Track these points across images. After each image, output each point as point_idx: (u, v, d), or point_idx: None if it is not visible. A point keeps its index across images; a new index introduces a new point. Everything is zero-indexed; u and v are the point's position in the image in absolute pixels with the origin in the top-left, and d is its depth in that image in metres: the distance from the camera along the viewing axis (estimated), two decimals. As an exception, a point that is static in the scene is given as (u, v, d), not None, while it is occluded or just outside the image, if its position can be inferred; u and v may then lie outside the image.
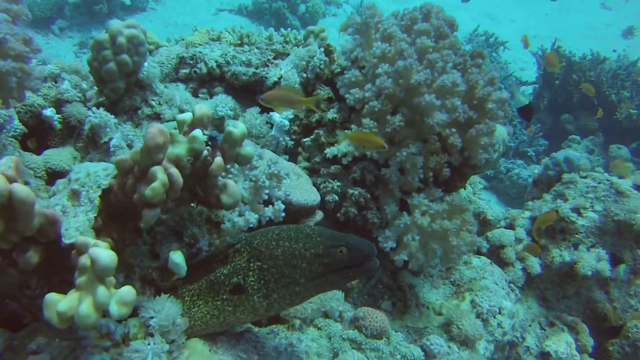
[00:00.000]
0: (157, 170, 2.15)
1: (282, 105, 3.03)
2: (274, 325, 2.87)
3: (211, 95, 3.88)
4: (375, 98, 3.24)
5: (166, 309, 2.43)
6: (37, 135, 3.35)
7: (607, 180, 4.62)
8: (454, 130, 3.33)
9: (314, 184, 3.42)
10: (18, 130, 3.11)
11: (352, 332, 2.82)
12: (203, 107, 2.55)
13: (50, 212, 2.03)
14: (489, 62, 12.13)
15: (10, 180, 1.79)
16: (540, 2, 15.47)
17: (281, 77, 3.75)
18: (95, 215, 2.32)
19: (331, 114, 3.47)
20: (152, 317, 2.41)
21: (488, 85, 3.38)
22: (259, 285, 2.34)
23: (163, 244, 2.64)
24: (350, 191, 3.35)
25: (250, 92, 3.96)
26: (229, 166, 2.97)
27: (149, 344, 2.33)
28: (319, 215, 3.32)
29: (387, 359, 2.76)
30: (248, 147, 2.62)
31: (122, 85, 3.42)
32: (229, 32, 4.27)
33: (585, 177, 4.79)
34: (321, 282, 2.27)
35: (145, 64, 3.51)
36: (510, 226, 4.77)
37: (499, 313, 3.72)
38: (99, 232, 2.37)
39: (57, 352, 2.16)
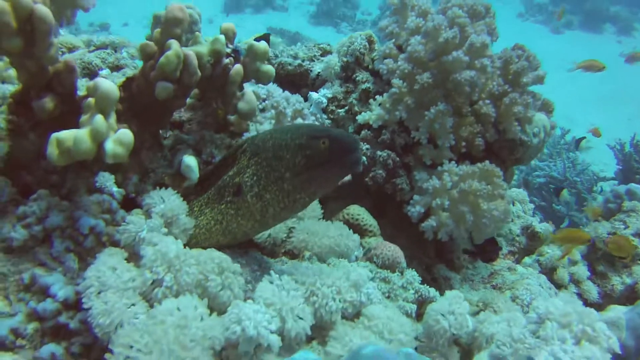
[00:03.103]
0: (172, 43, 2.29)
1: None
2: (284, 257, 2.77)
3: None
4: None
5: (172, 201, 2.45)
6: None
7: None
8: (487, 101, 3.30)
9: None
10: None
11: (363, 264, 2.66)
12: (229, 23, 2.72)
13: (70, 59, 2.19)
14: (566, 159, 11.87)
15: (35, 1, 1.97)
16: (622, 107, 15.24)
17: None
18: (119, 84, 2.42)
19: (365, 85, 3.55)
20: (155, 205, 2.42)
21: (524, 61, 3.36)
22: (251, 182, 2.31)
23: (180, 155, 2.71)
24: (379, 153, 3.32)
25: (295, 85, 4.12)
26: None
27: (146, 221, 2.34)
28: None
29: (397, 291, 2.56)
30: (269, 66, 2.73)
31: (174, 59, 3.69)
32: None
33: (649, 207, 4.45)
34: (307, 177, 2.21)
35: (198, 44, 3.80)
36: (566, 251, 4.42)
37: (542, 309, 3.35)
38: (118, 117, 2.47)
39: (54, 202, 2.20)
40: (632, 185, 4.84)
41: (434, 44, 3.21)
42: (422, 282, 3.65)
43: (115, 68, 3.71)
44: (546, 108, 3.79)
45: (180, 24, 2.33)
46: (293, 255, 2.78)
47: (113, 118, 2.11)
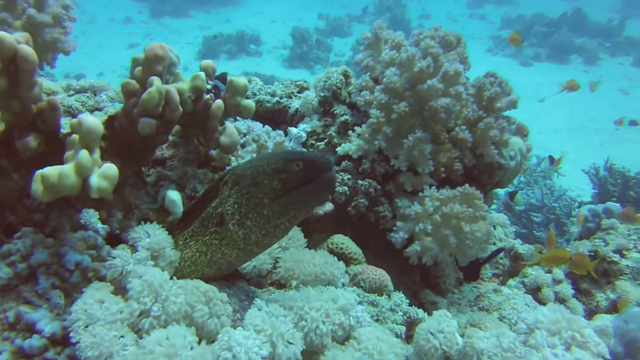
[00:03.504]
0: (154, 79, 2.34)
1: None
2: (271, 287, 2.77)
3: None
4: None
5: (157, 234, 2.45)
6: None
7: (653, 220, 4.38)
8: (463, 127, 3.39)
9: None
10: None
11: (350, 289, 2.67)
12: (208, 60, 2.79)
13: (53, 98, 2.22)
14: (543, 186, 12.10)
15: (18, 42, 2.01)
16: (593, 134, 15.66)
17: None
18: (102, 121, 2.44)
19: (344, 117, 3.62)
20: (141, 239, 2.42)
21: (497, 87, 3.48)
22: (233, 210, 2.34)
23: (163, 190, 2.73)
24: (360, 182, 3.37)
25: (274, 122, 4.17)
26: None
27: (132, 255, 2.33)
28: (329, 206, 3.32)
29: (386, 314, 2.57)
30: (249, 100, 2.79)
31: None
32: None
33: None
34: (285, 201, 2.25)
35: (177, 85, 3.86)
36: (549, 270, 4.47)
37: (530, 329, 3.38)
38: (101, 155, 2.49)
39: (39, 240, 2.19)
40: (610, 204, 4.96)
41: (409, 74, 3.31)
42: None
43: (95, 111, 3.74)
44: (521, 132, 3.90)
45: (161, 61, 2.38)
46: (280, 285, 2.78)
47: (97, 153, 2.13)
